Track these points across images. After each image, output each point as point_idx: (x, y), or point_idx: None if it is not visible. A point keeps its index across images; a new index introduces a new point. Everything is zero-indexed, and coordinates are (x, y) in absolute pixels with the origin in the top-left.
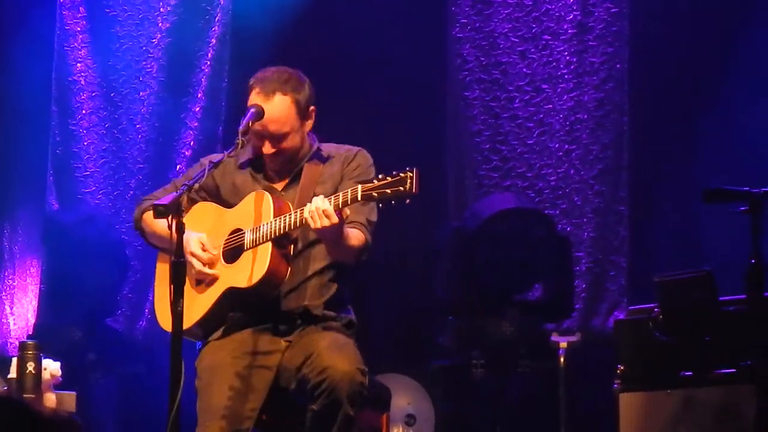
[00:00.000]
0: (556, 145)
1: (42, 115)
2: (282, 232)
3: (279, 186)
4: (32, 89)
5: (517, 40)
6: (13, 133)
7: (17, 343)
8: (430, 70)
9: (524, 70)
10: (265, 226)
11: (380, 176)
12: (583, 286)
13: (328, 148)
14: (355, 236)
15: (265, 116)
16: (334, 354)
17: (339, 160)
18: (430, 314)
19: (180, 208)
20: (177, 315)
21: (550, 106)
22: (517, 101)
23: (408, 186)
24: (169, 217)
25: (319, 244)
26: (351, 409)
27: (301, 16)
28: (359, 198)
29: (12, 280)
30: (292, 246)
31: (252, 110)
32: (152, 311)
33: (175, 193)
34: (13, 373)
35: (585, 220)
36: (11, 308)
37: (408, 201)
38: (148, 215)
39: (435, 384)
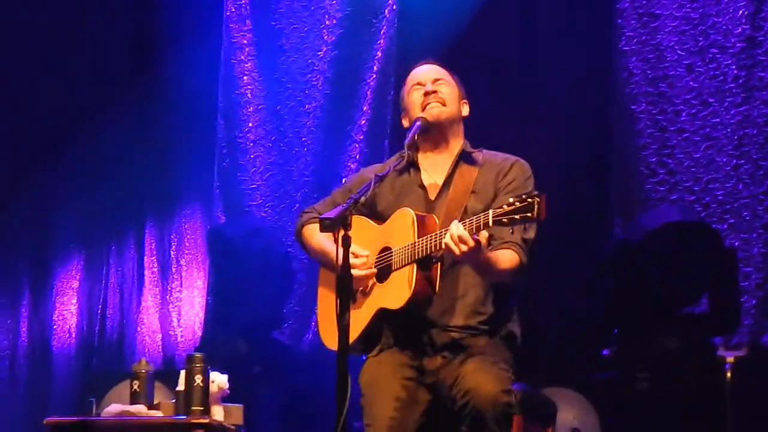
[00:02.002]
0: (724, 160)
1: (209, 127)
2: (424, 254)
3: (433, 191)
4: (200, 101)
5: (683, 53)
6: (181, 145)
7: (185, 355)
8: (596, 82)
9: (691, 83)
10: (409, 247)
11: (510, 200)
12: (753, 302)
13: (483, 153)
14: (507, 259)
15: (427, 69)
16: (479, 376)
17: (494, 169)
18: (595, 327)
19: (347, 222)
20: (343, 329)
21: (718, 119)
22: (683, 114)
23: (535, 212)
24: (336, 231)
25: None
26: (498, 429)
27: (467, 27)
28: (490, 224)
29: (179, 292)
30: (439, 265)
31: (418, 122)
32: (318, 326)
33: (341, 206)
34: (181, 386)
35: (755, 235)
36: (178, 320)
37: (535, 226)
38: (308, 229)
39: (600, 398)
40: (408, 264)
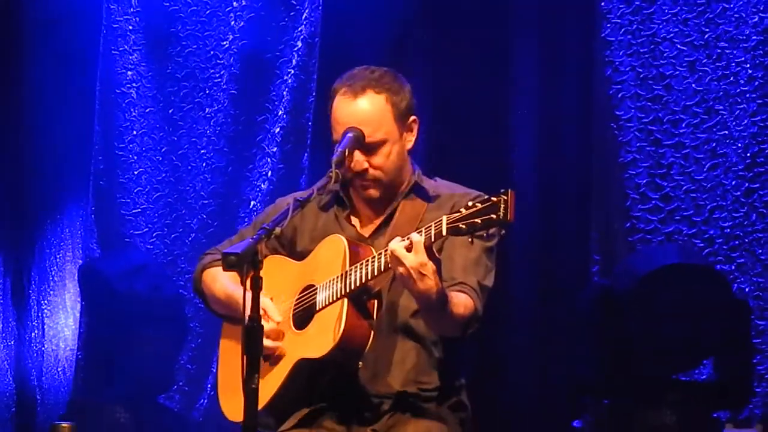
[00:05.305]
0: (733, 183)
1: (82, 136)
2: (359, 284)
3: (367, 230)
4: (71, 101)
5: (685, 47)
6: (45, 158)
7: (48, 425)
8: (572, 81)
9: (694, 85)
10: (338, 279)
11: (469, 203)
12: None
13: (435, 184)
14: (462, 302)
15: (352, 118)
16: None
17: (447, 204)
18: (571, 395)
19: (256, 258)
20: (251, 394)
21: (726, 132)
22: (683, 125)
23: (501, 213)
24: (243, 269)
25: (418, 312)
26: None
27: (415, 9)
28: (444, 232)
29: (41, 344)
30: (375, 302)
31: (349, 134)
32: (216, 389)
33: (250, 239)
34: None
35: None
36: (39, 380)
37: (503, 232)
38: (210, 273)
39: None
40: (337, 299)
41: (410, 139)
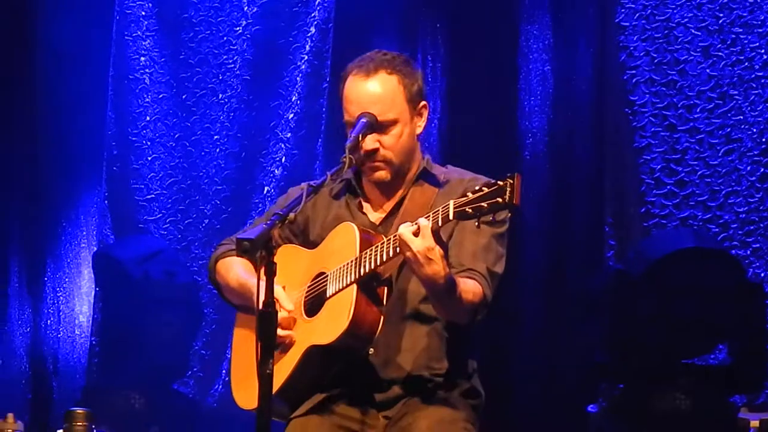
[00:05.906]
0: (748, 168)
1: (96, 122)
2: (368, 269)
3: (377, 218)
4: (85, 87)
5: (699, 32)
6: (60, 144)
7: (63, 411)
8: (586, 66)
9: (708, 71)
10: (349, 265)
11: (476, 187)
12: None
13: (445, 171)
14: (470, 289)
15: (365, 97)
16: None
17: (458, 189)
18: (585, 380)
19: (270, 243)
20: (265, 378)
21: (741, 117)
22: (698, 110)
23: (507, 197)
24: (257, 255)
25: (428, 298)
26: None
27: None
28: (451, 216)
29: (56, 331)
30: (386, 288)
31: (363, 120)
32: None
33: (263, 225)
34: None
35: None
36: (54, 366)
37: (509, 215)
38: (224, 263)
39: None
40: (347, 285)
41: (420, 124)
